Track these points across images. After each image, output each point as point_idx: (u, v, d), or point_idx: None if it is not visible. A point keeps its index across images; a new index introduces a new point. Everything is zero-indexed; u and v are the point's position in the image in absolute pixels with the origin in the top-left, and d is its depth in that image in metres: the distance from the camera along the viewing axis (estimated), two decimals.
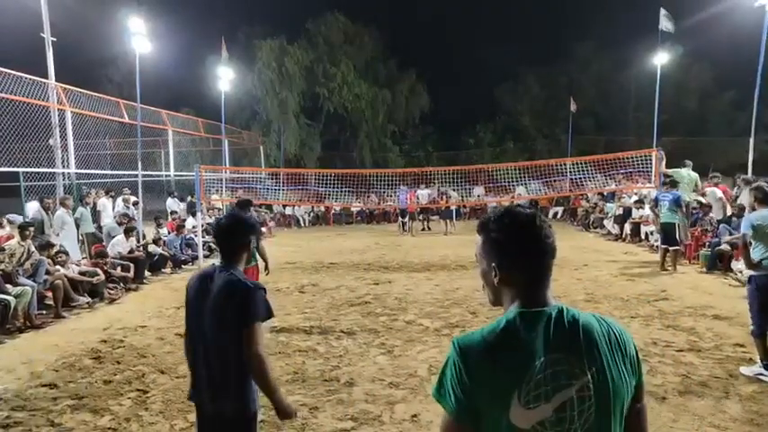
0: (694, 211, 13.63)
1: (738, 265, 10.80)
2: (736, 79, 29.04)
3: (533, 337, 1.52)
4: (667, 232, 11.69)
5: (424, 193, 21.67)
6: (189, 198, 18.65)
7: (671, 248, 11.69)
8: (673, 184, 12.27)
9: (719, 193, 13.64)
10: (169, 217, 16.83)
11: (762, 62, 14.83)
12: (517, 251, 1.61)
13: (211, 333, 2.83)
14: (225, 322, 2.78)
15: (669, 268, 11.64)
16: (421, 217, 21.59)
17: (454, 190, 20.81)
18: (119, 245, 11.68)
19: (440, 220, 21.07)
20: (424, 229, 21.21)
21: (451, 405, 1.53)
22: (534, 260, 1.61)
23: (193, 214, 15.69)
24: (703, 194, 13.96)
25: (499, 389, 1.49)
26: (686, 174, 13.50)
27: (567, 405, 1.49)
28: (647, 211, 15.64)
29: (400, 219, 21.37)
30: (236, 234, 2.96)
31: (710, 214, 13.27)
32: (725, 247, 11.47)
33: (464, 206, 24.07)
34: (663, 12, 19.88)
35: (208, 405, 2.93)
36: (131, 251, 11.86)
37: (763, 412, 4.78)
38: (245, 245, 2.98)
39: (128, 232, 12.00)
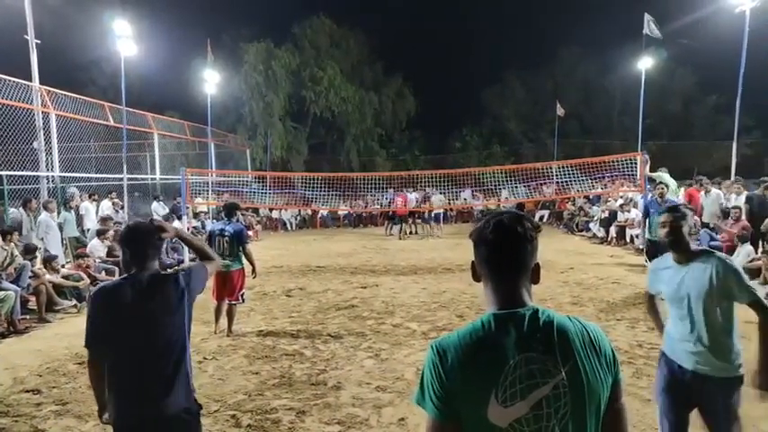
0: None
1: None
2: (718, 84, 29.43)
3: (507, 338, 1.58)
4: (665, 251, 10.14)
5: (411, 197, 21.72)
6: (174, 202, 18.57)
7: None
8: (668, 186, 11.37)
9: (722, 198, 13.65)
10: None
11: (743, 67, 15.02)
12: (486, 255, 1.69)
13: (160, 335, 2.83)
14: (173, 315, 2.88)
15: None
16: (409, 221, 21.63)
17: (441, 193, 20.88)
18: (96, 249, 11.54)
19: (423, 224, 21.14)
20: (411, 233, 21.22)
21: (432, 407, 1.59)
22: (503, 265, 1.68)
23: (179, 218, 15.58)
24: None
25: (476, 388, 1.54)
26: (668, 178, 13.61)
27: (543, 402, 1.53)
28: (632, 214, 15.78)
29: (388, 222, 21.48)
30: (150, 236, 3.00)
31: (695, 218, 13.39)
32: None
33: (450, 209, 24.12)
34: (647, 17, 20.08)
35: (155, 416, 2.81)
36: (111, 253, 11.73)
37: (747, 413, 4.81)
38: (159, 247, 3.08)
39: (101, 234, 11.84)
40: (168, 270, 3.03)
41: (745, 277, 3.26)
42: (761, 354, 3.23)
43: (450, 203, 21.63)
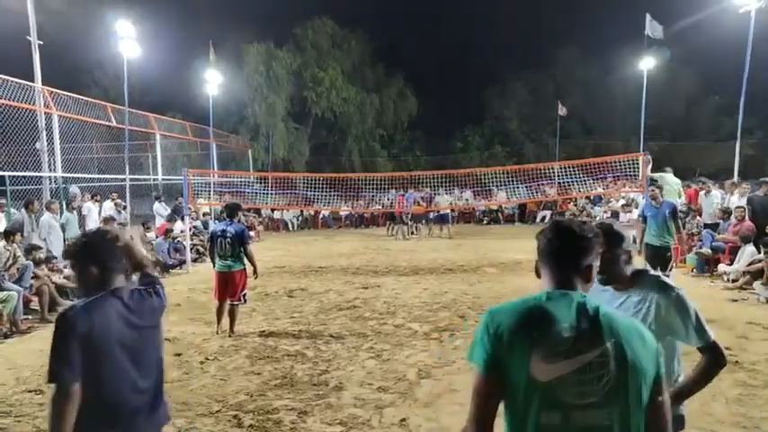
0: (681, 215, 13.74)
1: (725, 267, 10.93)
2: (721, 85, 29.39)
3: (556, 309, 1.78)
4: (661, 258, 8.60)
5: (411, 197, 21.68)
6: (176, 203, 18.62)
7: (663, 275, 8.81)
8: (660, 188, 9.78)
9: (717, 199, 13.66)
10: (158, 221, 16.73)
11: (747, 68, 14.97)
12: (545, 247, 1.95)
13: (150, 357, 2.61)
14: (159, 333, 2.69)
15: None
16: (406, 222, 21.58)
17: (448, 193, 20.84)
18: None
19: (415, 224, 21.10)
20: (413, 233, 21.16)
21: (479, 358, 1.79)
22: (560, 256, 1.92)
23: (182, 218, 15.58)
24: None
25: (520, 343, 1.73)
26: (670, 179, 13.59)
27: (587, 368, 1.67)
28: (634, 214, 15.75)
29: (389, 222, 21.47)
30: (117, 247, 2.63)
31: (698, 218, 13.39)
32: (705, 250, 11.62)
33: (452, 210, 24.12)
34: (649, 17, 20.08)
35: None
36: None
37: (749, 415, 4.81)
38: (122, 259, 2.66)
39: None
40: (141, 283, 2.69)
41: (693, 312, 2.55)
42: (687, 388, 2.59)
43: (452, 204, 21.62)
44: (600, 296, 2.64)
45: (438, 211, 20.68)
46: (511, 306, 1.83)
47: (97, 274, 2.54)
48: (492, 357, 1.75)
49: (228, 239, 7.53)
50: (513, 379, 1.71)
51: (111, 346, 2.44)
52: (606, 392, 1.67)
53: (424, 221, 21.39)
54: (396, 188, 22.30)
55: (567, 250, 1.89)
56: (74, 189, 14.01)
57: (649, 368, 1.74)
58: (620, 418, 1.69)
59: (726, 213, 12.42)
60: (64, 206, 13.00)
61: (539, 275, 1.99)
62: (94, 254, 2.56)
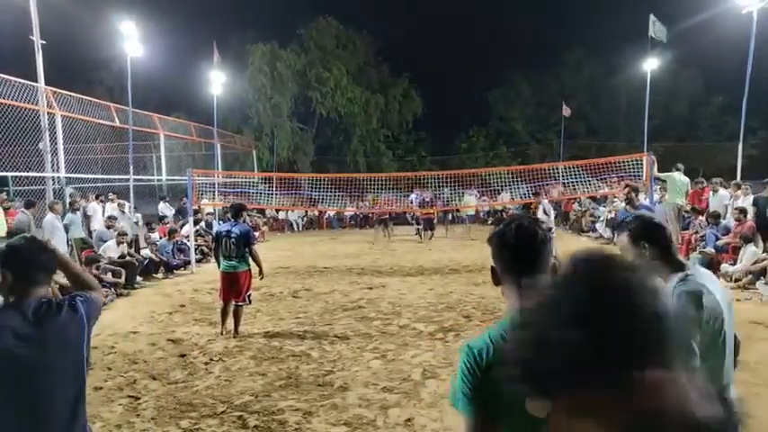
0: (686, 215, 13.70)
1: (728, 267, 10.89)
2: (724, 85, 29.36)
3: None
4: None
5: (412, 197, 21.60)
6: (180, 203, 18.67)
7: None
8: (635, 190, 8.50)
9: (727, 200, 13.62)
10: (169, 220, 16.73)
11: (750, 68, 14.93)
12: (509, 259, 1.73)
13: (54, 383, 2.30)
14: (71, 354, 2.37)
15: None
16: (390, 223, 21.46)
17: (471, 195, 20.77)
18: (109, 251, 11.59)
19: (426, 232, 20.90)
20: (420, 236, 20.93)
21: (466, 404, 1.60)
22: (527, 267, 1.68)
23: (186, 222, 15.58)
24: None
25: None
26: (678, 178, 13.55)
27: None
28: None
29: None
30: (41, 256, 2.38)
31: (700, 218, 13.35)
32: (709, 250, 11.58)
33: (456, 210, 24.03)
34: (652, 18, 20.02)
35: None
36: (122, 256, 11.76)
37: (752, 415, 4.77)
38: (51, 270, 2.47)
39: (120, 236, 11.92)
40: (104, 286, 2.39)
41: None
42: None
43: (458, 204, 21.50)
44: None
45: (457, 210, 20.49)
46: (489, 339, 1.63)
47: (10, 283, 2.27)
48: (479, 400, 1.58)
49: (233, 240, 7.53)
50: (510, 420, 1.52)
51: (5, 373, 2.14)
52: None
53: (442, 222, 21.18)
54: (400, 188, 22.25)
55: (536, 259, 1.70)
56: (68, 190, 14.03)
57: None
58: None
59: (715, 218, 12.41)
60: (68, 208, 13.02)
61: (497, 282, 1.79)
62: (13, 260, 2.31)
